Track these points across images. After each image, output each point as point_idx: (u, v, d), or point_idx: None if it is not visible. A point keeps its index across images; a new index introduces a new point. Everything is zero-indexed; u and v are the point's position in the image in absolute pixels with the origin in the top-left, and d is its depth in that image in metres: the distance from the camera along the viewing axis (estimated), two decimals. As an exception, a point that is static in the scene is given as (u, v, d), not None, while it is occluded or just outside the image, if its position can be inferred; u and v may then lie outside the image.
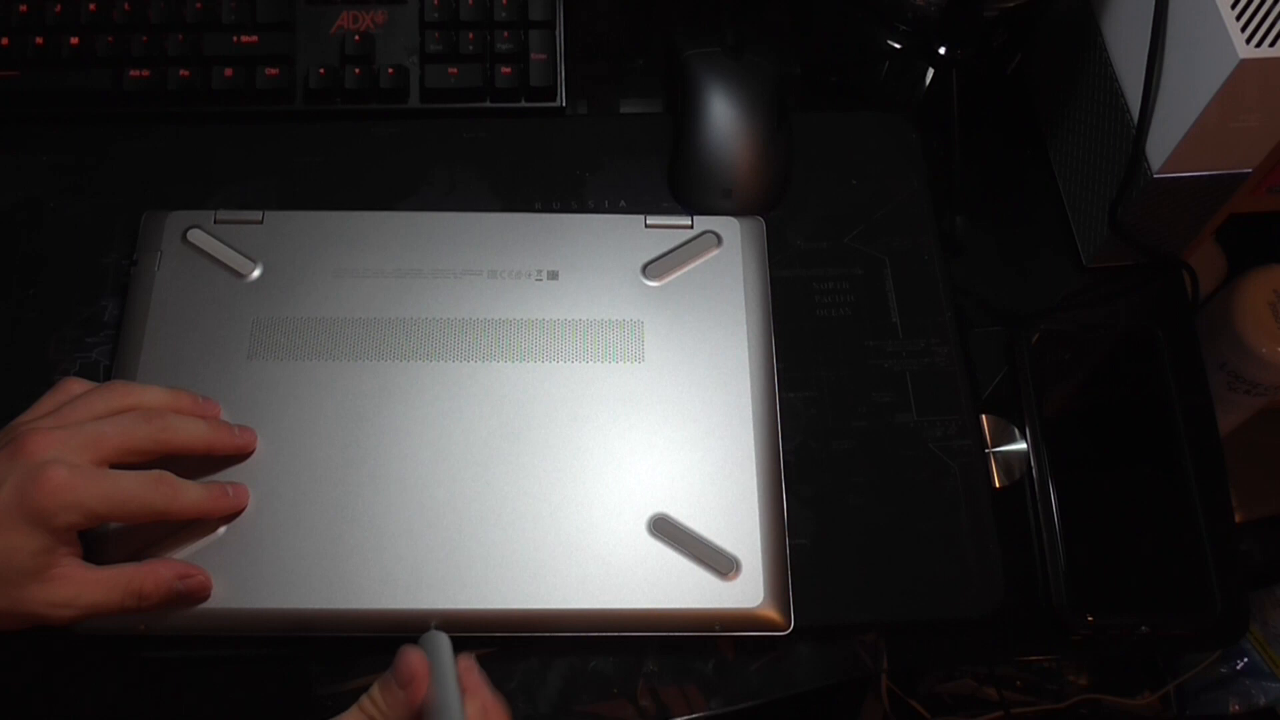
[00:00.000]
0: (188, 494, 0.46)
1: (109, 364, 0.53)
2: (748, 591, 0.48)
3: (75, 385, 0.47)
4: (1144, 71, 0.52)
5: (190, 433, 0.47)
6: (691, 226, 0.56)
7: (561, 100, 0.61)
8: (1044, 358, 0.57)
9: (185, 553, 0.47)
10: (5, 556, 0.41)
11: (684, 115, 0.59)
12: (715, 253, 0.56)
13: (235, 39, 0.59)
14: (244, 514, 0.48)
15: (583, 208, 0.59)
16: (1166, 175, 0.53)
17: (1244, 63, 0.46)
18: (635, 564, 0.48)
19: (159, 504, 0.44)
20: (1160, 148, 0.52)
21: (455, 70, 0.60)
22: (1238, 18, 0.46)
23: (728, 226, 0.56)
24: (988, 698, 0.85)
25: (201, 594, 0.46)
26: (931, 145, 0.61)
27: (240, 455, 0.49)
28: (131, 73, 0.59)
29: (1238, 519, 0.68)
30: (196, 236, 0.55)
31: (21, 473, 0.41)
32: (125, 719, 0.48)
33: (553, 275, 0.55)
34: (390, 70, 0.60)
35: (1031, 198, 0.63)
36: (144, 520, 0.45)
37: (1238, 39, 0.46)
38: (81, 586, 0.43)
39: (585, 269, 0.55)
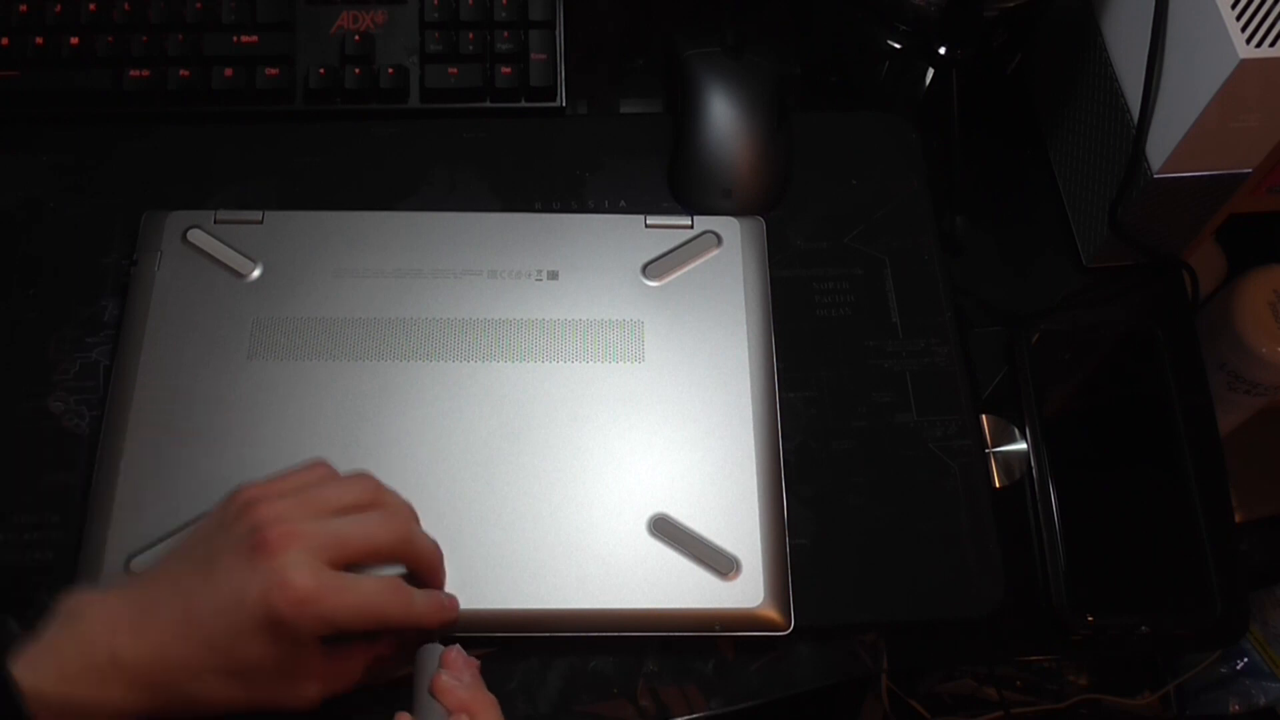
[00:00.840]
0: (417, 603, 0.43)
1: (109, 364, 0.53)
2: (748, 591, 0.48)
3: (323, 469, 0.45)
4: (1144, 71, 0.52)
5: (426, 549, 0.45)
6: (691, 226, 0.56)
7: (561, 100, 0.61)
8: (1044, 358, 0.57)
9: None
10: (261, 663, 0.40)
11: (684, 115, 0.59)
12: (715, 253, 0.56)
13: (235, 39, 0.59)
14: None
15: (583, 208, 0.59)
16: (1166, 175, 0.53)
17: (1244, 63, 0.46)
18: (635, 564, 0.48)
19: (396, 614, 0.42)
20: (1160, 148, 0.52)
21: (455, 70, 0.60)
22: (1238, 18, 0.46)
23: (728, 226, 0.56)
24: (988, 698, 0.85)
25: (451, 621, 0.45)
26: (931, 145, 0.61)
27: (445, 624, 0.45)
28: (131, 73, 0.59)
29: (1238, 519, 0.68)
30: (196, 236, 0.55)
31: (265, 578, 0.39)
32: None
33: (553, 275, 0.55)
34: (390, 70, 0.60)
35: (1031, 198, 0.63)
36: (375, 629, 0.42)
37: (1238, 39, 0.46)
38: (329, 681, 0.42)
39: (585, 269, 0.55)
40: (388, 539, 0.43)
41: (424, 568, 0.45)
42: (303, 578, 0.39)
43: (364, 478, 0.45)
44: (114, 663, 0.39)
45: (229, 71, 0.59)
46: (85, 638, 0.40)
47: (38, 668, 0.39)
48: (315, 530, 0.41)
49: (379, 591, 0.42)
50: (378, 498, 0.44)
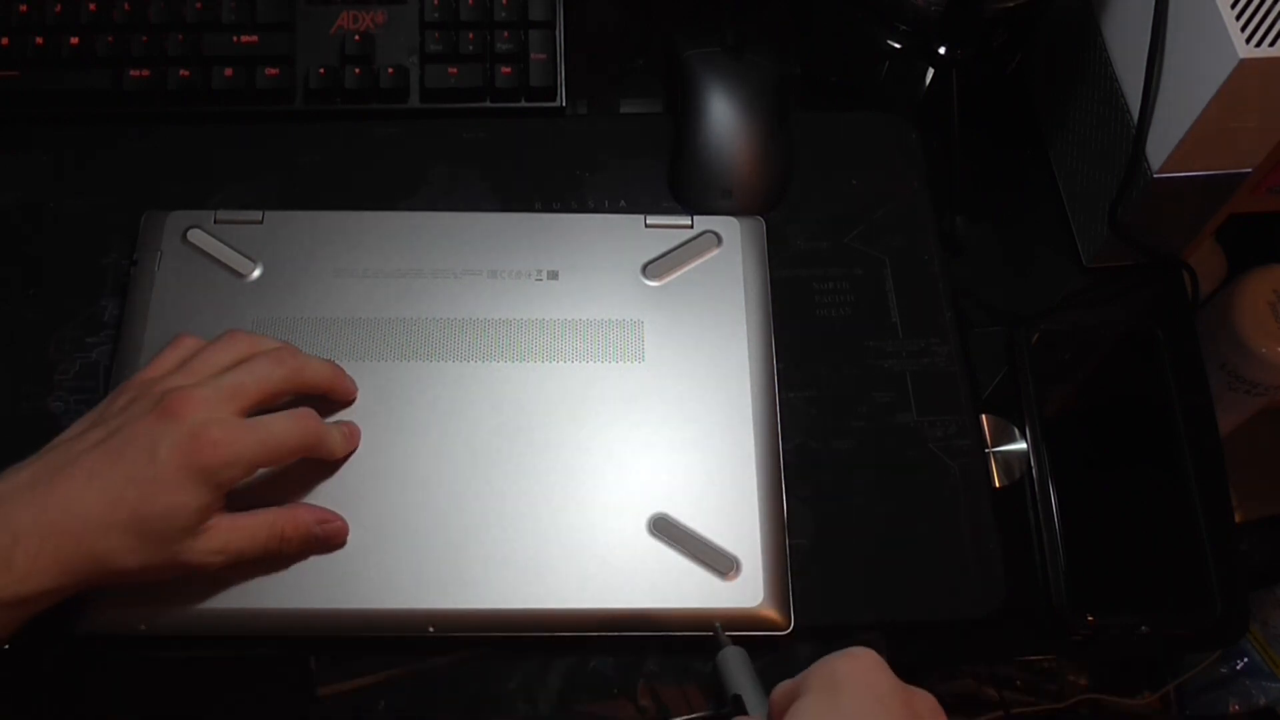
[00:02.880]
0: (330, 432, 0.48)
1: (109, 364, 0.53)
2: (748, 591, 0.48)
3: (191, 341, 0.48)
4: (1144, 71, 0.52)
5: (319, 371, 0.49)
6: (691, 226, 0.56)
7: (561, 100, 0.61)
8: (1044, 358, 0.57)
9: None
10: (169, 516, 0.42)
11: (684, 115, 0.59)
12: (715, 253, 0.56)
13: (235, 39, 0.59)
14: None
15: (583, 208, 0.59)
16: (1166, 175, 0.53)
17: (1244, 63, 0.45)
18: (635, 564, 0.48)
19: (310, 441, 0.46)
20: (1160, 148, 0.52)
21: (455, 70, 0.60)
22: (1238, 18, 0.46)
23: (728, 226, 0.56)
24: (988, 698, 0.85)
25: (338, 540, 0.48)
26: (931, 145, 0.61)
27: (346, 400, 0.50)
28: (131, 73, 0.59)
29: (1238, 519, 0.68)
30: (196, 236, 0.55)
31: (178, 434, 0.42)
32: (125, 719, 0.48)
33: (553, 275, 0.55)
34: (390, 70, 0.60)
35: (1031, 198, 0.63)
36: (292, 460, 0.46)
37: (1238, 39, 0.46)
38: (230, 534, 0.44)
39: (585, 269, 0.55)
40: (280, 374, 0.46)
41: (325, 388, 0.49)
42: (217, 427, 0.43)
43: (234, 334, 0.48)
44: (14, 535, 0.40)
45: (229, 71, 0.59)
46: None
47: None
48: (213, 387, 0.44)
49: (288, 425, 0.46)
50: (254, 346, 0.48)
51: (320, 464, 0.49)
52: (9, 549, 0.40)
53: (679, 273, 0.55)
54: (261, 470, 0.46)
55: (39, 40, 0.58)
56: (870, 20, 0.61)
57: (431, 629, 0.47)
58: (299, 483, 0.49)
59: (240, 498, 0.45)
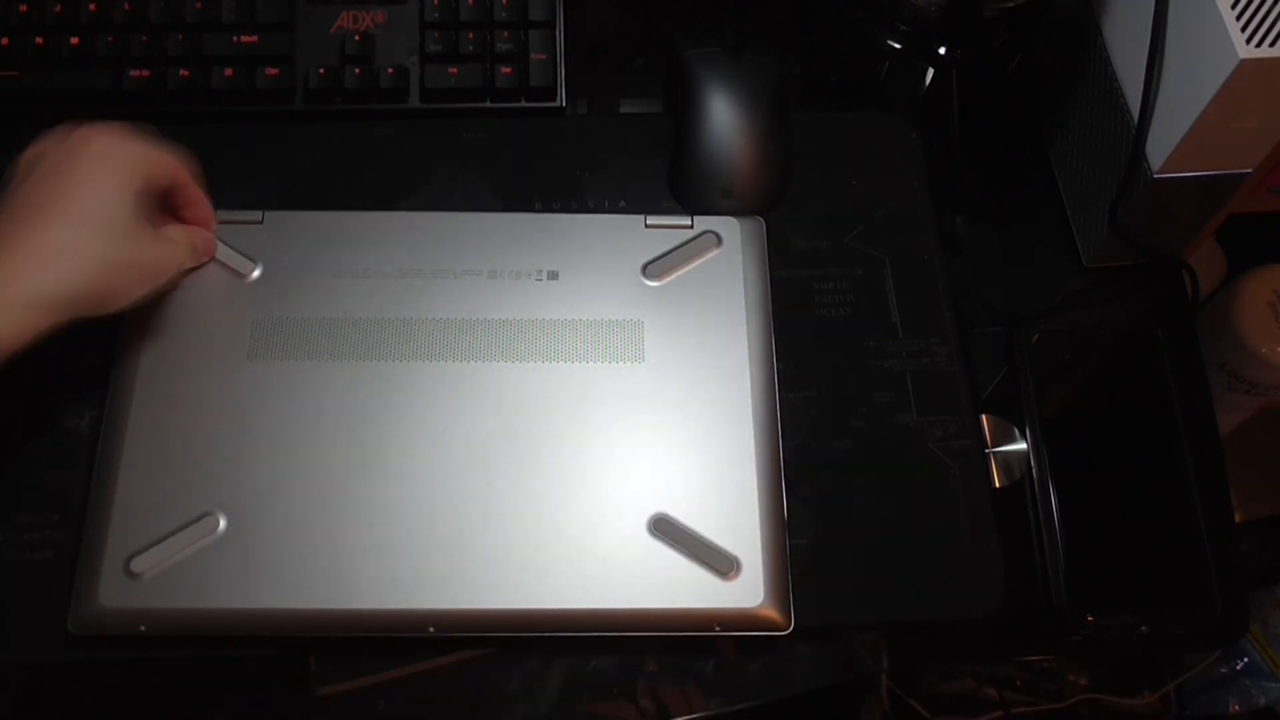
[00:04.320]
0: (191, 167, 0.51)
1: (109, 365, 0.53)
2: (748, 591, 0.48)
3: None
4: (1144, 71, 0.52)
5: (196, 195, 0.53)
6: (691, 226, 0.56)
7: (561, 100, 0.61)
8: (1044, 358, 0.57)
9: (185, 550, 0.47)
10: (106, 208, 0.46)
11: (684, 115, 0.59)
12: (715, 253, 0.56)
13: (235, 39, 0.59)
14: (245, 514, 0.48)
15: (583, 208, 0.59)
16: (1166, 175, 0.53)
17: (1244, 63, 0.46)
18: (635, 564, 0.48)
19: (182, 176, 0.51)
20: (1160, 148, 0.52)
21: (455, 70, 0.60)
22: (1238, 18, 0.46)
23: (728, 226, 0.56)
24: (988, 698, 0.85)
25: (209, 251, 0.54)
26: (931, 145, 0.61)
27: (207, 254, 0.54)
28: (131, 73, 0.59)
29: (1238, 519, 0.68)
30: (196, 236, 0.54)
31: (90, 142, 0.47)
32: (125, 719, 0.48)
33: (553, 275, 0.55)
34: (390, 70, 0.60)
35: (1031, 198, 0.63)
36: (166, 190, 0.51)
37: (1238, 39, 0.46)
38: (173, 242, 0.50)
39: (585, 269, 0.55)
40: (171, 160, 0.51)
41: (189, 215, 0.53)
42: (122, 136, 0.48)
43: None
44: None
45: (229, 71, 0.59)
46: None
47: None
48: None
49: (173, 154, 0.50)
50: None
51: (320, 465, 0.49)
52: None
53: (679, 273, 0.55)
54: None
55: (39, 40, 0.58)
56: (870, 20, 0.61)
57: (431, 629, 0.47)
58: (300, 482, 0.49)
59: None
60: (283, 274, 0.54)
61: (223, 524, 0.48)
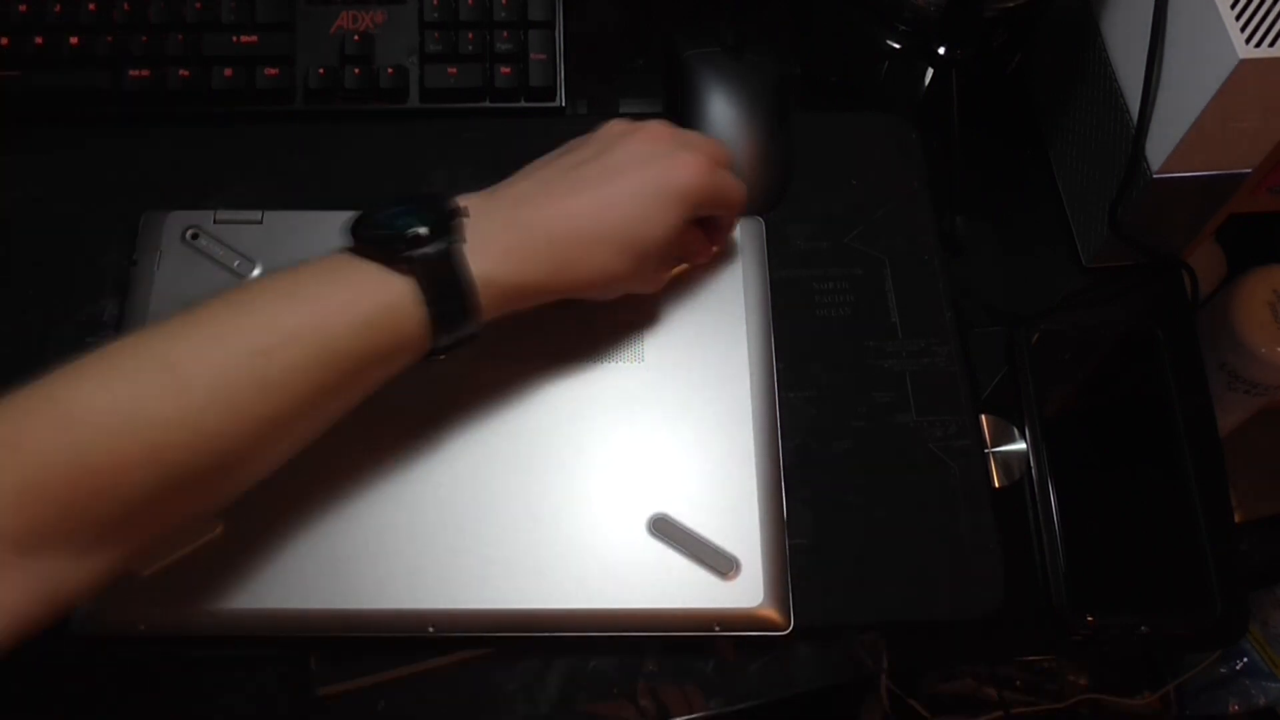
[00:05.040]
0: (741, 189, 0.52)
1: (109, 364, 0.53)
2: (747, 591, 0.48)
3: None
4: (1144, 71, 0.52)
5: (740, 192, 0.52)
6: (691, 226, 0.56)
7: (561, 100, 0.61)
8: (1044, 358, 0.57)
9: (185, 549, 0.47)
10: (651, 231, 0.47)
11: (684, 115, 0.59)
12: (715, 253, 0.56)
13: (235, 39, 0.59)
14: (244, 513, 0.48)
15: (583, 208, 0.58)
16: (1166, 175, 0.53)
17: (1244, 63, 0.46)
18: (635, 564, 0.48)
19: (739, 198, 0.51)
20: (1160, 148, 0.52)
21: (455, 70, 0.60)
22: (1238, 18, 0.46)
23: (728, 226, 0.56)
24: (988, 698, 0.85)
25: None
26: (931, 145, 0.61)
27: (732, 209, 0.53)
28: (131, 73, 0.59)
29: (1238, 519, 0.68)
30: (196, 236, 0.54)
31: (667, 158, 0.47)
32: (125, 719, 0.48)
33: (553, 275, 0.55)
34: (390, 70, 0.60)
35: (1031, 198, 0.63)
36: (727, 212, 0.52)
37: (1238, 39, 0.46)
38: (679, 255, 0.53)
39: (585, 269, 0.55)
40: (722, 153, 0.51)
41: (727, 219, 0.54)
42: (692, 153, 0.48)
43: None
44: (544, 240, 0.45)
45: (229, 71, 0.59)
46: (513, 222, 0.45)
47: (483, 255, 0.43)
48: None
49: (736, 181, 0.51)
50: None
51: (320, 464, 0.49)
52: (518, 241, 0.45)
53: (679, 272, 0.55)
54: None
55: (39, 40, 0.58)
56: (870, 20, 0.61)
57: (431, 629, 0.47)
58: (300, 482, 0.49)
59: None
60: (283, 274, 0.54)
61: (222, 524, 0.48)
